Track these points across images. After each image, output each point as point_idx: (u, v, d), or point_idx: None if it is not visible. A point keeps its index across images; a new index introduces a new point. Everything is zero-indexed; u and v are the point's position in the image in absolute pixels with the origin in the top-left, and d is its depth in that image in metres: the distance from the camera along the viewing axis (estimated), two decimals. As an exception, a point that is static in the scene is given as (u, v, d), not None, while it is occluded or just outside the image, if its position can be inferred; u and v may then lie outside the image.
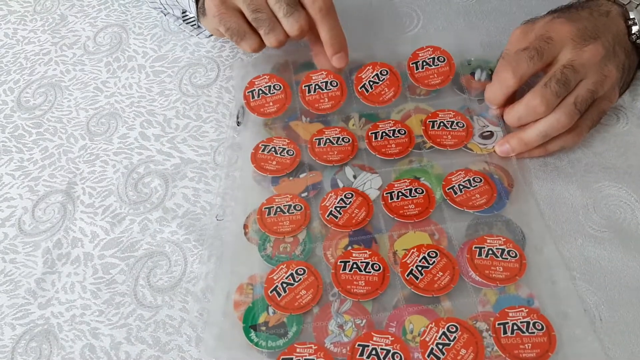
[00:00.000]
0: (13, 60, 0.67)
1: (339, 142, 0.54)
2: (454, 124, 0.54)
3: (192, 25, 0.65)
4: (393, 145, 0.54)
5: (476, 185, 0.51)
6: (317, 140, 0.55)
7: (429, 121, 0.55)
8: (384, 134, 0.55)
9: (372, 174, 0.53)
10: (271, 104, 0.57)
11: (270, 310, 0.46)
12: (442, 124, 0.55)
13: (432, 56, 0.58)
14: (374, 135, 0.55)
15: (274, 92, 0.57)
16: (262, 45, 0.54)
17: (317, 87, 0.58)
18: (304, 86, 0.58)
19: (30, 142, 0.60)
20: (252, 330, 0.45)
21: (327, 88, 0.57)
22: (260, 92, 0.58)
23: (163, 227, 0.52)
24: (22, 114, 0.62)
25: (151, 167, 0.56)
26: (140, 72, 0.63)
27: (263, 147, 0.55)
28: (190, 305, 0.47)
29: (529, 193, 0.50)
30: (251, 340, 0.45)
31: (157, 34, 0.66)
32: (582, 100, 0.48)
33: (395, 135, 0.54)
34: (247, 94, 0.58)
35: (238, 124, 0.58)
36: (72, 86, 0.64)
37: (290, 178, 0.53)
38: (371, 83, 0.57)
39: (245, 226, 0.51)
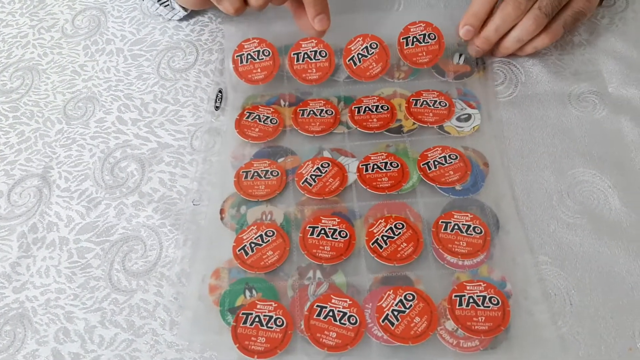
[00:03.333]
0: (-10, 42, 0.66)
1: (322, 114, 0.55)
2: (437, 102, 0.55)
3: (165, 6, 0.64)
4: (375, 120, 0.54)
5: (451, 162, 0.51)
6: (301, 111, 0.55)
7: (412, 99, 0.55)
8: (367, 109, 0.55)
9: (351, 158, 0.53)
10: (259, 70, 0.57)
11: (247, 294, 0.46)
12: (425, 103, 0.55)
13: (423, 32, 0.57)
14: (357, 109, 0.55)
15: (263, 58, 0.57)
16: (243, 4, 0.53)
17: (305, 55, 0.57)
18: (293, 54, 0.57)
19: (7, 126, 0.59)
20: (229, 313, 0.45)
21: (316, 58, 0.57)
22: (249, 56, 0.57)
23: (139, 212, 0.52)
24: (-1, 98, 0.61)
25: (128, 152, 0.56)
26: (118, 56, 0.63)
27: (248, 114, 0.56)
28: (165, 290, 0.47)
29: (504, 177, 0.50)
30: (229, 323, 0.45)
31: (136, 17, 0.66)
32: (546, 3, 0.51)
33: (378, 111, 0.55)
34: (235, 57, 0.57)
35: (216, 108, 0.57)
36: (49, 70, 0.63)
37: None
38: (360, 56, 0.57)
39: (221, 211, 0.51)
